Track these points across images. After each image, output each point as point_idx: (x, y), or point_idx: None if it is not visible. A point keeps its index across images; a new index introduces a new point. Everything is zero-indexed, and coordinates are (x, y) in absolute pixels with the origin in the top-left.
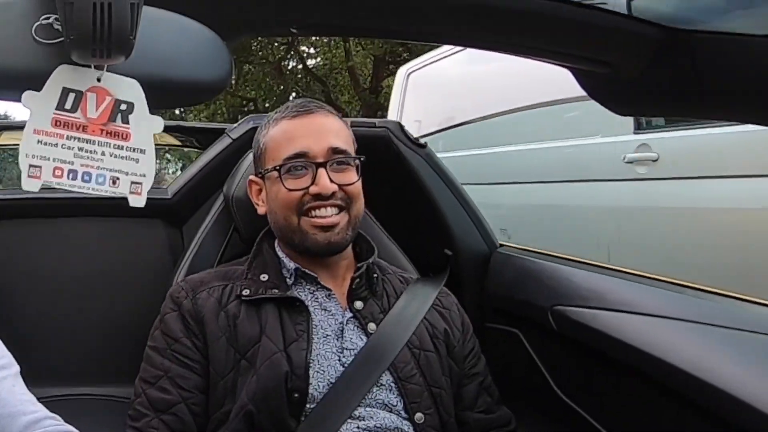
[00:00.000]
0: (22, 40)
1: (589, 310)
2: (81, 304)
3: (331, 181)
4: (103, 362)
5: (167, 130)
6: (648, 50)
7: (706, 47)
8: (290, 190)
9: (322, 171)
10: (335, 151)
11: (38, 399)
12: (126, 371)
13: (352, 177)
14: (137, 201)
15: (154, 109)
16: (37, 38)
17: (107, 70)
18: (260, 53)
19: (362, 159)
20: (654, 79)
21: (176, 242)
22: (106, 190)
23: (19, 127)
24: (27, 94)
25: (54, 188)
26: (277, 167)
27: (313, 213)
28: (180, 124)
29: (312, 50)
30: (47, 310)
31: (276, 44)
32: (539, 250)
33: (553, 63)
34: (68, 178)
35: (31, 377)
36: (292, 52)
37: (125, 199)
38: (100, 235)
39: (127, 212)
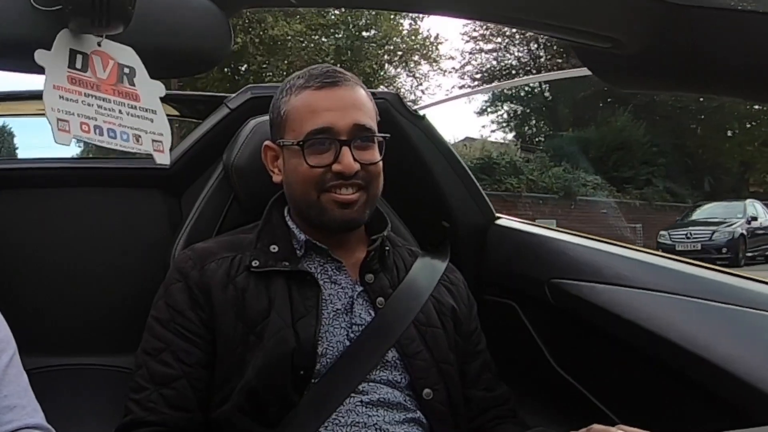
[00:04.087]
0: (21, 6)
1: (586, 283)
2: (79, 273)
3: (355, 159)
4: (101, 332)
5: (164, 99)
6: (650, 26)
7: (708, 23)
8: (312, 166)
9: (345, 149)
10: (360, 128)
11: (37, 369)
12: (125, 340)
13: (375, 156)
14: (162, 158)
15: (152, 78)
16: (36, 5)
17: (106, 38)
18: None
19: (387, 137)
20: (656, 55)
21: (174, 212)
22: (132, 147)
23: (19, 97)
24: (39, 52)
25: (59, 158)
26: (300, 142)
27: (334, 191)
28: (177, 94)
29: None
30: (45, 279)
31: None
32: (537, 224)
33: (555, 38)
34: (95, 133)
35: (30, 347)
36: None
37: (123, 168)
38: (98, 205)
39: (125, 182)
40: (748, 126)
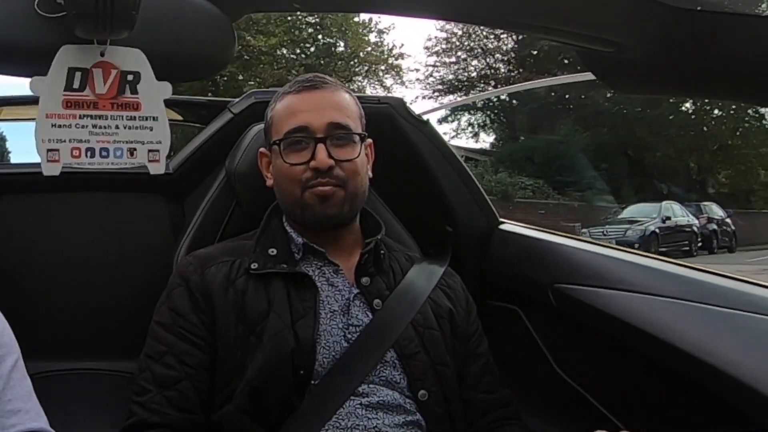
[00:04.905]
0: (25, 13)
1: (589, 288)
2: (83, 278)
3: (330, 156)
4: (105, 336)
5: (167, 104)
6: (654, 30)
7: (711, 27)
8: (291, 164)
9: (320, 146)
10: (336, 126)
11: (41, 373)
12: (128, 345)
13: (351, 153)
14: (157, 168)
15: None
16: (40, 12)
17: (110, 44)
18: None
19: (363, 135)
20: (659, 58)
21: (177, 217)
22: (125, 163)
23: (20, 102)
24: (35, 80)
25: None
26: (278, 141)
27: (315, 187)
28: (180, 99)
29: None
30: (49, 284)
31: None
32: (540, 228)
33: (559, 42)
34: (87, 156)
35: (34, 352)
36: None
37: (125, 173)
38: (101, 210)
39: (128, 187)
40: (697, 132)
